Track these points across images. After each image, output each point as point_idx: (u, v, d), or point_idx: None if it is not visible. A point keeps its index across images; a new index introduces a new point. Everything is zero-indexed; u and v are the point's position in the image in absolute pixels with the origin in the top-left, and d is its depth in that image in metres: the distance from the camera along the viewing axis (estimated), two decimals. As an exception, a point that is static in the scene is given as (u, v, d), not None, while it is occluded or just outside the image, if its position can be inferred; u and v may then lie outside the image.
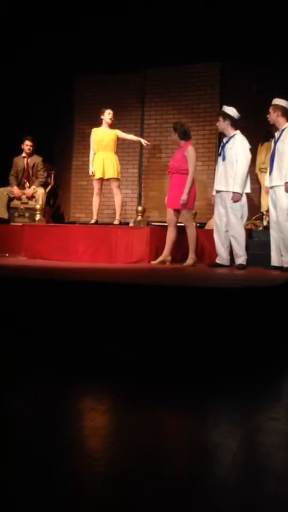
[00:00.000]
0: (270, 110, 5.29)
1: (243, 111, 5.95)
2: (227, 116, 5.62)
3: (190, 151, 5.77)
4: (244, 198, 5.56)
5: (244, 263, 5.50)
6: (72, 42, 7.87)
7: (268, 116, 5.33)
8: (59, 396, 2.29)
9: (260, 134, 7.05)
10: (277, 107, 5.26)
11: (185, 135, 5.89)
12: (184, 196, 5.64)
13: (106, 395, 2.35)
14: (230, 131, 5.64)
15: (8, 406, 2.16)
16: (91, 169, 6.81)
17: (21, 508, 1.34)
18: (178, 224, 5.90)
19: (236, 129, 5.66)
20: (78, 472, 1.56)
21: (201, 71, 8.04)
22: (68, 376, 2.55)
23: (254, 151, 6.89)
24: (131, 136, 7.06)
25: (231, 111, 5.65)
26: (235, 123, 5.66)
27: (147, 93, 8.48)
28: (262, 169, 7.04)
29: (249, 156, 5.61)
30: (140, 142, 7.09)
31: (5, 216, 7.45)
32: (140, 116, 8.52)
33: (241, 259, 5.51)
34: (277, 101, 5.28)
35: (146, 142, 7.04)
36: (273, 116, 5.28)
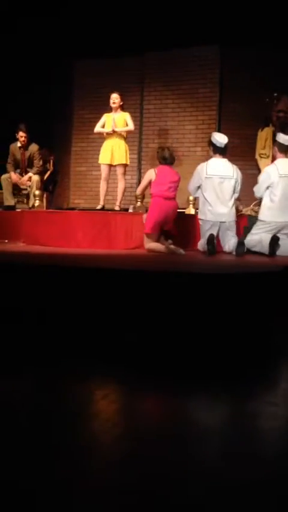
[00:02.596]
0: None
1: (243, 96, 5.91)
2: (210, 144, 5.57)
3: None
4: None
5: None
6: (71, 27, 7.81)
7: None
8: (58, 381, 2.29)
9: (259, 119, 7.02)
10: None
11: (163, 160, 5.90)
12: None
13: (105, 380, 2.36)
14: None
15: (8, 391, 2.17)
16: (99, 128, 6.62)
17: (24, 491, 1.35)
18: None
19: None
20: (80, 454, 1.57)
21: (200, 56, 7.99)
22: (66, 362, 2.56)
23: (253, 137, 6.88)
24: (126, 128, 6.72)
25: (216, 138, 5.57)
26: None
27: (147, 78, 8.43)
28: (262, 155, 7.01)
29: None
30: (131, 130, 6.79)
31: (12, 202, 7.41)
32: (139, 101, 8.47)
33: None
34: None
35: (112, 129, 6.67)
36: None
